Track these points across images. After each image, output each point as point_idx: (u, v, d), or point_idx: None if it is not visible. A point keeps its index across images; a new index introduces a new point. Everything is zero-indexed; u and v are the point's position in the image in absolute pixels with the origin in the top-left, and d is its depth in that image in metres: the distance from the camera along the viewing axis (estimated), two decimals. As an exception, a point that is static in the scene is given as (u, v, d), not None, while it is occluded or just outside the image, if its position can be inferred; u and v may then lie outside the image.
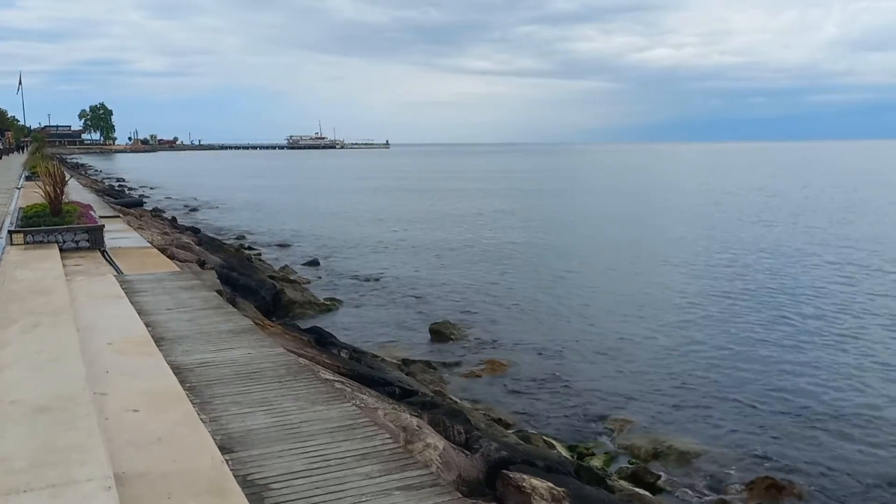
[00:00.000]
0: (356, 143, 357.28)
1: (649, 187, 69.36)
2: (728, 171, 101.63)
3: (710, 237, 32.44)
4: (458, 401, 11.49)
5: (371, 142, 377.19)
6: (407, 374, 12.61)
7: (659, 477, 9.48)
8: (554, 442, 10.34)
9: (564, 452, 9.82)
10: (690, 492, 9.31)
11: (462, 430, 8.24)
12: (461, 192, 64.53)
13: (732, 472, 9.88)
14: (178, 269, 12.13)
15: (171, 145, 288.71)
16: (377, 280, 22.96)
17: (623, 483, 9.19)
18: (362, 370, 10.64)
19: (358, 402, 6.86)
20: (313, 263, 26.10)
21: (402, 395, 9.81)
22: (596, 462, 9.85)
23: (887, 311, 18.29)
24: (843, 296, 20.11)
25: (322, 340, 12.95)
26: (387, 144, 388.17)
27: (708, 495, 9.21)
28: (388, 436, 5.27)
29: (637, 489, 8.98)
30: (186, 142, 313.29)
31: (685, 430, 11.19)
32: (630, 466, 9.67)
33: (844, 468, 9.96)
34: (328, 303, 19.25)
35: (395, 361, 13.82)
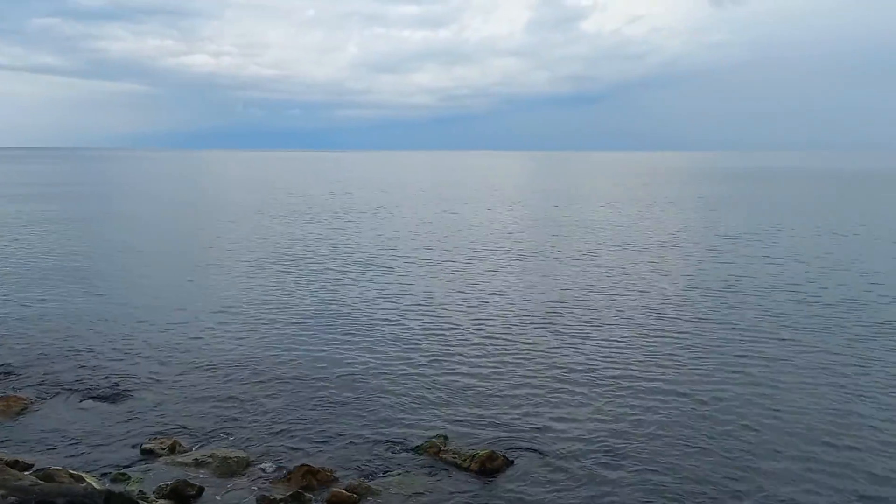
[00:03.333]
0: None
1: (192, 198, 68.16)
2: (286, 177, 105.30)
3: (252, 240, 33.23)
4: (-41, 451, 9.73)
5: None
6: None
7: (202, 488, 9.39)
8: (84, 475, 9.44)
9: (95, 483, 9.05)
10: (234, 493, 9.44)
11: (-42, 484, 7.00)
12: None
13: (276, 465, 10.33)
14: None
15: None
16: None
17: (163, 501, 8.89)
18: None
19: None
20: None
21: None
22: (134, 486, 9.33)
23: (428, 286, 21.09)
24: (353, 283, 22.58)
25: None
26: None
27: (252, 492, 9.44)
28: None
29: (177, 505, 8.76)
30: None
31: (228, 438, 11.34)
32: (169, 483, 9.36)
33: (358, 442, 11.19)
34: None
35: None
